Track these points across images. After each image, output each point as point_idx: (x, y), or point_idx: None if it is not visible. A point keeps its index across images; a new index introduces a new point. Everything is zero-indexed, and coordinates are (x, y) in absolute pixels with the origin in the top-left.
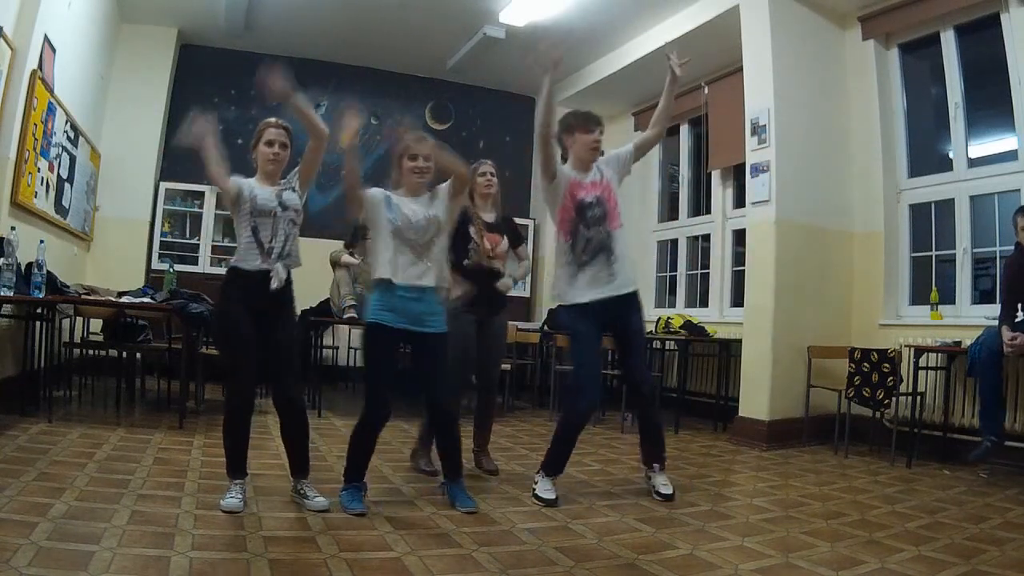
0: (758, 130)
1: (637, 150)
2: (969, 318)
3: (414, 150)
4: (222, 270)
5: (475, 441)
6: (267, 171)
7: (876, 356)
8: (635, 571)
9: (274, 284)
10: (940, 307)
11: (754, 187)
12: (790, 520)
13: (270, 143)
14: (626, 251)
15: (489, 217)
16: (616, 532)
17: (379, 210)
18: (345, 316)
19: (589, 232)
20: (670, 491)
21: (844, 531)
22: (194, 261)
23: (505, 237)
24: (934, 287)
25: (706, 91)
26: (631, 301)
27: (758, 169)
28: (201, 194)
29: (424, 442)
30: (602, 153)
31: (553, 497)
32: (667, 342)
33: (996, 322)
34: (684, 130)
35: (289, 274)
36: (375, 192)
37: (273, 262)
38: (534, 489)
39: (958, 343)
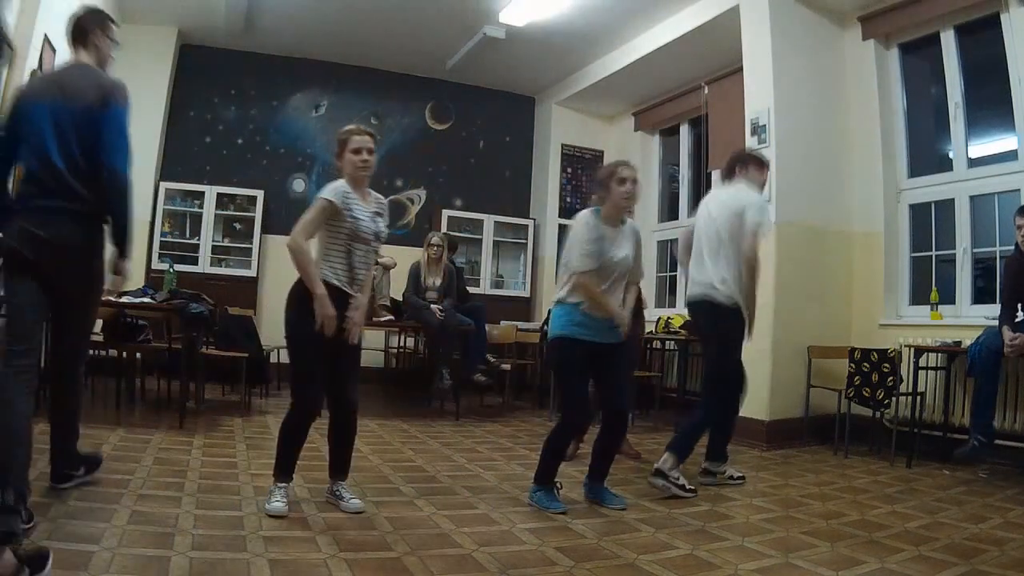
0: (758, 130)
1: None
2: (969, 318)
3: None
4: (222, 270)
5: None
6: (356, 178)
7: (876, 356)
8: (635, 571)
9: (350, 312)
10: (940, 307)
11: None
12: (790, 520)
13: (357, 151)
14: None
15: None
16: (616, 532)
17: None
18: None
19: None
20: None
21: (844, 531)
22: (194, 261)
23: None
24: (934, 287)
25: (706, 91)
26: None
27: None
28: (201, 194)
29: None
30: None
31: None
32: (667, 342)
33: (996, 322)
34: (684, 130)
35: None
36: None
37: (355, 289)
38: (683, 484)
39: (958, 343)
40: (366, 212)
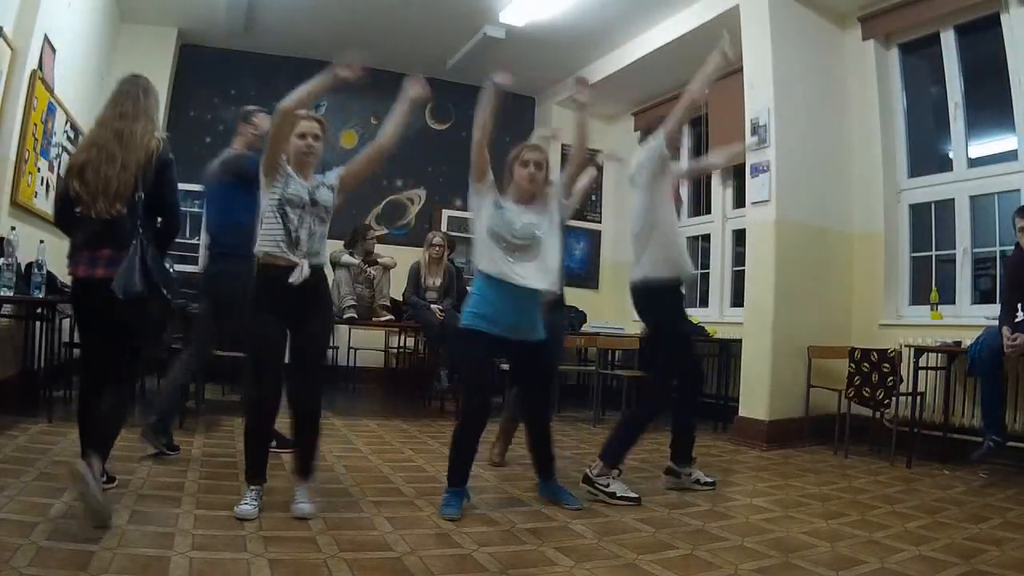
0: (758, 130)
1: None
2: (969, 318)
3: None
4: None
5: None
6: (300, 164)
7: (876, 356)
8: (635, 571)
9: (294, 278)
10: (940, 307)
11: (754, 187)
12: (790, 520)
13: (302, 135)
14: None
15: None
16: (616, 532)
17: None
18: (345, 316)
19: None
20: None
21: (844, 531)
22: (194, 261)
23: None
24: (934, 287)
25: (706, 91)
26: None
27: (758, 169)
28: (201, 194)
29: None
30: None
31: (635, 495)
32: None
33: (996, 322)
34: (684, 130)
35: (320, 272)
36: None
37: (300, 255)
38: (612, 492)
39: (958, 343)
40: (301, 184)
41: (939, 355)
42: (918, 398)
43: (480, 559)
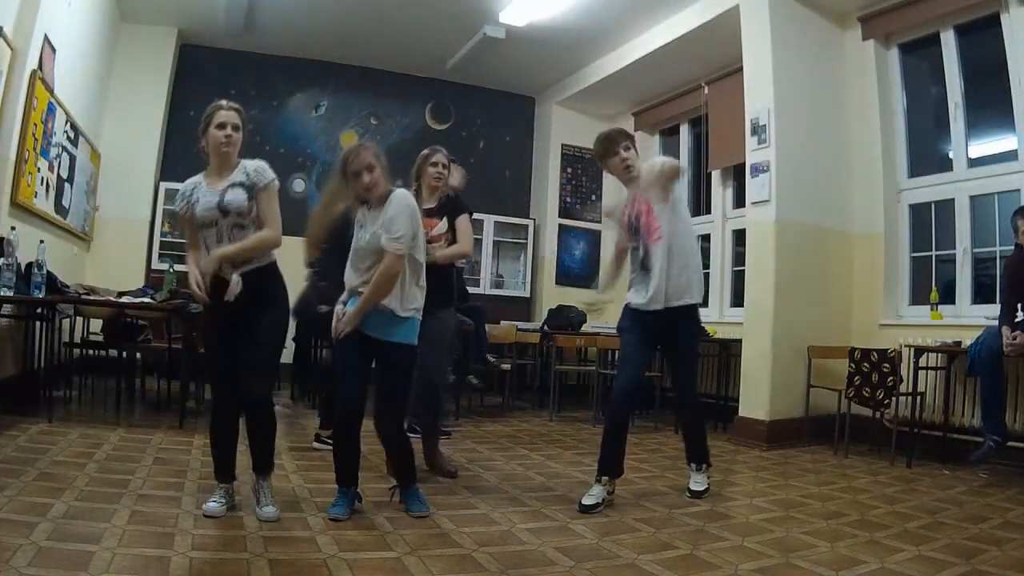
0: (758, 130)
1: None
2: (969, 318)
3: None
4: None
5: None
6: (220, 155)
7: (876, 356)
8: (635, 571)
9: (228, 296)
10: (940, 307)
11: (754, 187)
12: (790, 520)
13: (221, 125)
14: (666, 266)
15: (431, 203)
16: (616, 532)
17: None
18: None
19: (634, 248)
20: (700, 488)
21: (844, 531)
22: None
23: (444, 219)
24: (934, 287)
25: (706, 91)
26: (675, 316)
27: (758, 169)
28: None
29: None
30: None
31: (589, 503)
32: None
33: (996, 322)
34: (684, 130)
35: (262, 272)
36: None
37: (227, 272)
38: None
39: (958, 343)
40: (210, 194)
41: (939, 355)
42: (918, 398)
43: (480, 559)
